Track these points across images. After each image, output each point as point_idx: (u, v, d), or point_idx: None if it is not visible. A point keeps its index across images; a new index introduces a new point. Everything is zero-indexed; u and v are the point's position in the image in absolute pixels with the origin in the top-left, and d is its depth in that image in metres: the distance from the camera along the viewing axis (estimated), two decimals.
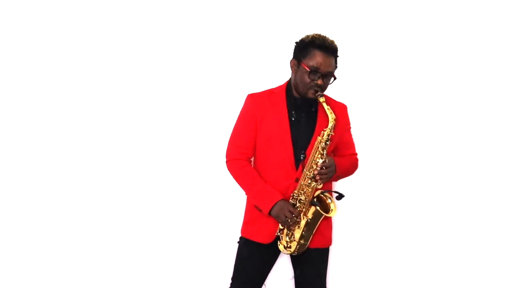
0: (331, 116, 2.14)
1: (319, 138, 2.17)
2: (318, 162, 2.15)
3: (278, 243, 2.24)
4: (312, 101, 2.23)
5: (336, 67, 2.21)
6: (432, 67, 2.84)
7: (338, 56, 2.21)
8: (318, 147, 2.17)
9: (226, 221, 2.74)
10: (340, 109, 2.33)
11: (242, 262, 2.36)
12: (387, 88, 2.84)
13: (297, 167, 2.22)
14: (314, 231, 2.22)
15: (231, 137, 2.33)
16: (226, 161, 2.33)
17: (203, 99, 2.81)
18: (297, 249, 2.21)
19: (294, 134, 2.22)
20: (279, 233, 2.22)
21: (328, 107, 2.15)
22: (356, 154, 2.42)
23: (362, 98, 2.80)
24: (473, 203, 2.86)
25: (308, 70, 2.13)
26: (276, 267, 2.47)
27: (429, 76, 2.84)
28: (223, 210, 2.79)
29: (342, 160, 2.29)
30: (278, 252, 2.32)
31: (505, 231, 2.86)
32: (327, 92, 2.26)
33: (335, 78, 2.20)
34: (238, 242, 2.36)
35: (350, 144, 2.40)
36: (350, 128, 2.40)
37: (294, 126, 2.23)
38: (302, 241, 2.20)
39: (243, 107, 2.33)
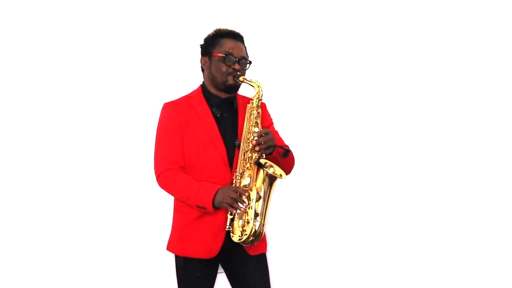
0: (256, 85, 2.11)
1: (249, 105, 2.11)
2: (254, 131, 2.06)
3: (231, 235, 2.04)
4: (233, 90, 2.18)
5: (247, 55, 2.21)
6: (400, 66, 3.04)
7: (246, 47, 2.22)
8: (251, 116, 2.10)
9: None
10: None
11: (186, 282, 2.15)
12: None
13: (230, 165, 2.11)
14: (267, 204, 2.04)
15: (157, 150, 2.16)
16: (157, 177, 2.13)
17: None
18: (253, 234, 1.98)
19: (222, 130, 2.14)
20: (229, 227, 2.03)
21: (251, 79, 2.12)
22: (287, 145, 2.35)
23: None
24: (410, 197, 2.99)
25: (223, 55, 2.12)
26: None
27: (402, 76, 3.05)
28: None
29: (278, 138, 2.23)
30: (217, 267, 2.17)
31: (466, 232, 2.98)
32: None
33: (250, 63, 2.19)
34: (177, 262, 2.16)
35: (277, 137, 2.33)
36: (272, 123, 2.35)
37: (220, 122, 2.15)
38: (257, 220, 1.99)
39: (161, 117, 2.19)
